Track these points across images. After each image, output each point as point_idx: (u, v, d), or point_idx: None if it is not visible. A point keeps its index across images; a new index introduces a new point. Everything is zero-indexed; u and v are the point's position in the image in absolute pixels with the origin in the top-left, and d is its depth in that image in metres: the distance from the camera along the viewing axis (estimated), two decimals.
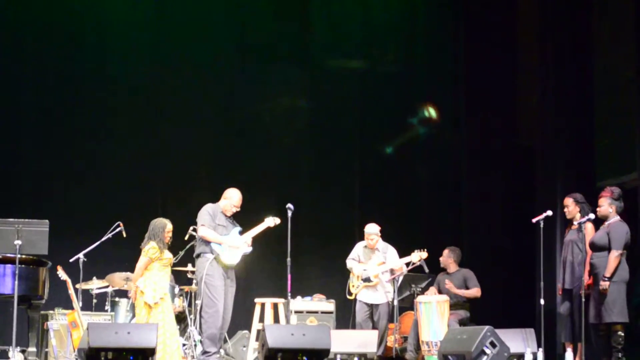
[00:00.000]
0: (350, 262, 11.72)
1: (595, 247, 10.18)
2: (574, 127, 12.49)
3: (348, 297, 11.73)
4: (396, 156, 14.53)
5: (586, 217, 10.35)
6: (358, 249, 11.81)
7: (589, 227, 10.45)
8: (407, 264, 11.45)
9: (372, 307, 11.54)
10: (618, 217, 10.20)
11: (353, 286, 11.64)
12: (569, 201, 10.81)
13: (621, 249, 10.00)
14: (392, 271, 11.53)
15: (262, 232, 10.62)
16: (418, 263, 11.38)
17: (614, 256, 9.97)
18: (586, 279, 10.28)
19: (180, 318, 11.88)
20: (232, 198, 10.51)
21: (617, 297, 9.97)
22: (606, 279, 9.95)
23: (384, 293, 11.51)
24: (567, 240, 10.81)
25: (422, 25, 14.91)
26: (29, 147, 13.46)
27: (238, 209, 10.52)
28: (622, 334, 9.96)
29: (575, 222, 10.56)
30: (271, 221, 10.61)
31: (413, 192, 14.47)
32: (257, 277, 13.15)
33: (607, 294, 9.94)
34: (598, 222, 10.39)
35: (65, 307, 11.31)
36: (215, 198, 10.64)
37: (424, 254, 11.37)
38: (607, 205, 10.23)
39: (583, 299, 10.12)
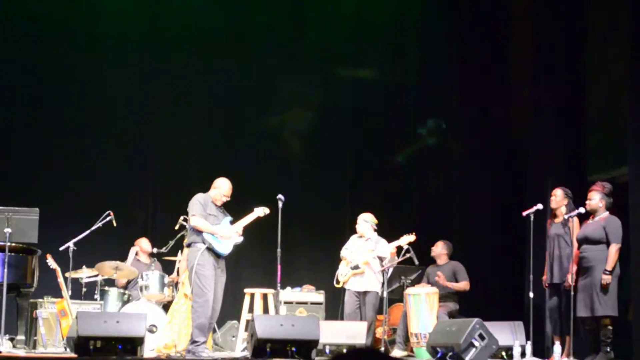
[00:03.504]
0: (343, 251, 11.79)
1: (589, 240, 10.20)
2: (566, 121, 12.49)
3: (335, 285, 11.75)
4: (388, 151, 14.51)
5: (576, 211, 10.37)
6: (352, 240, 11.88)
7: (575, 221, 10.48)
8: (398, 254, 11.46)
9: (360, 297, 11.56)
10: (608, 212, 10.24)
11: (341, 275, 11.66)
12: (558, 192, 10.83)
13: (620, 242, 10.05)
14: (381, 260, 11.53)
15: (252, 222, 10.60)
16: (406, 246, 11.38)
17: (614, 249, 10.03)
18: (571, 272, 10.30)
19: (169, 307, 11.88)
20: (221, 187, 10.49)
21: (611, 290, 10.02)
22: (608, 272, 9.98)
23: (373, 280, 11.51)
24: (552, 234, 10.83)
25: (415, 28, 14.88)
26: (20, 135, 13.42)
27: (228, 199, 10.50)
28: (611, 328, 10.00)
29: (565, 216, 10.58)
30: (261, 211, 10.60)
31: (404, 185, 14.46)
32: (246, 268, 13.17)
33: (608, 287, 9.98)
34: (583, 216, 10.43)
35: (54, 296, 11.30)
36: (206, 188, 10.63)
37: (411, 237, 11.38)
38: (597, 200, 10.26)
39: (572, 293, 10.16)
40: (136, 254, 12.60)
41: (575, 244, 10.38)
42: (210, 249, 10.17)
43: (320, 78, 14.62)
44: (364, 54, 14.83)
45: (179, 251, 11.98)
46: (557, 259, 10.68)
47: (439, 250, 12.14)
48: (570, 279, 10.32)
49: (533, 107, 13.16)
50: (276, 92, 14.49)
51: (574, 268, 10.34)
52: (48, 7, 13.68)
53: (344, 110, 14.63)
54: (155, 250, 12.39)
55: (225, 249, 10.30)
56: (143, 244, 12.59)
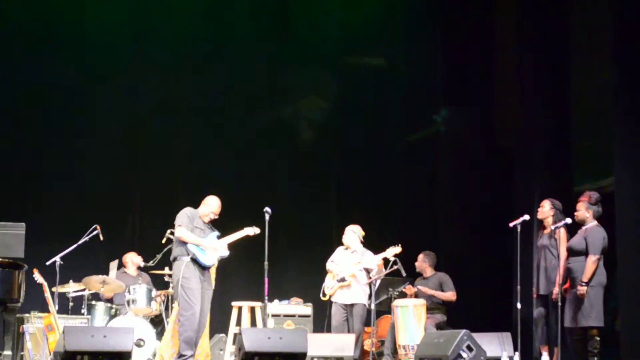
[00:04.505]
0: (329, 264, 11.79)
1: (573, 251, 10.23)
2: (552, 132, 12.52)
3: (322, 297, 11.75)
4: (374, 160, 14.52)
5: (563, 222, 10.39)
6: (337, 252, 11.88)
7: (562, 233, 10.49)
8: (386, 267, 11.46)
9: (347, 309, 11.55)
10: (595, 222, 10.25)
11: (327, 287, 11.66)
12: (546, 203, 10.84)
13: (599, 254, 10.04)
14: (367, 272, 11.54)
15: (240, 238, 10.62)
16: (393, 258, 11.39)
17: (591, 261, 10.02)
18: (558, 283, 10.33)
19: (157, 321, 11.86)
20: (210, 205, 10.50)
21: (595, 301, 10.01)
22: (584, 283, 9.99)
23: (360, 293, 11.52)
24: (539, 245, 10.85)
25: (401, 32, 14.90)
26: (5, 148, 13.35)
27: (216, 217, 10.51)
28: (598, 339, 10.00)
29: (552, 227, 10.59)
30: (251, 230, 10.61)
31: (391, 196, 14.47)
32: (234, 281, 13.13)
33: (585, 298, 9.99)
34: (574, 227, 10.44)
35: (41, 311, 11.24)
36: (193, 201, 10.62)
37: (397, 249, 11.41)
38: (584, 210, 10.28)
39: (559, 304, 10.17)
40: (124, 265, 12.58)
41: (564, 255, 10.39)
42: (194, 260, 10.14)
43: (312, 79, 14.62)
44: (347, 55, 14.84)
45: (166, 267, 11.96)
46: (543, 270, 10.69)
47: (421, 263, 12.14)
48: (556, 290, 10.34)
49: (519, 117, 13.18)
50: (260, 101, 14.49)
51: (561, 279, 10.36)
52: (32, 14, 13.61)
53: (329, 119, 14.65)
54: (142, 263, 12.37)
55: (209, 260, 10.28)
56: (133, 258, 12.55)
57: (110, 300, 12.17)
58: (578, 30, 12.69)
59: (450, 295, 11.87)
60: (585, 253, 10.12)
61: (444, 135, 14.50)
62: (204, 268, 10.23)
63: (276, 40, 14.50)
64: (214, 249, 10.30)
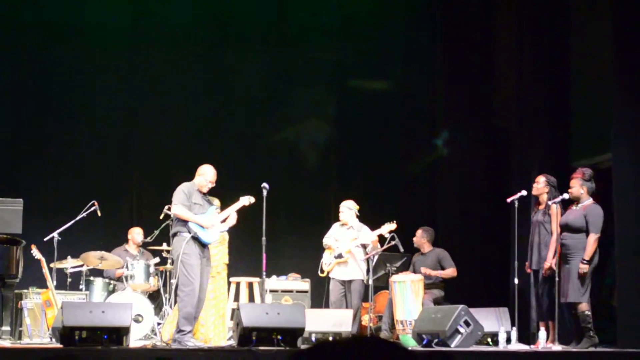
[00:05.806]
0: (325, 239, 11.79)
1: (570, 228, 10.24)
2: (550, 108, 12.52)
3: (320, 274, 11.77)
4: (372, 136, 14.51)
5: (560, 197, 10.41)
6: (334, 228, 11.88)
7: (555, 209, 10.51)
8: (382, 243, 11.47)
9: (345, 285, 11.57)
10: (591, 199, 10.26)
11: (325, 264, 11.67)
12: (541, 179, 10.87)
13: (599, 232, 10.09)
14: (364, 247, 11.56)
15: (238, 210, 10.56)
16: (388, 235, 11.39)
17: (593, 239, 10.06)
18: (550, 259, 10.37)
19: (155, 297, 11.88)
20: (205, 174, 10.37)
21: (586, 278, 10.07)
22: (585, 262, 10.02)
23: (357, 269, 11.54)
24: (534, 221, 10.88)
25: (399, 13, 14.86)
26: (3, 125, 13.35)
27: (213, 185, 10.37)
28: (589, 313, 10.06)
29: (548, 203, 10.61)
30: (246, 200, 10.54)
31: (389, 172, 14.46)
32: (232, 256, 13.11)
33: (585, 276, 10.03)
34: (566, 203, 10.47)
35: (39, 286, 11.27)
36: (191, 176, 10.59)
37: (392, 225, 11.41)
38: (578, 187, 10.29)
39: (557, 279, 10.21)
40: (126, 240, 12.60)
41: (558, 230, 10.42)
42: (195, 238, 10.11)
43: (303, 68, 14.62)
44: (348, 62, 14.82)
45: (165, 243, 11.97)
46: (537, 246, 10.72)
47: (419, 238, 12.11)
48: (546, 265, 10.40)
49: (517, 93, 13.17)
50: (264, 86, 14.46)
51: (555, 254, 10.40)
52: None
53: (329, 101, 14.64)
54: (141, 242, 12.39)
55: (211, 237, 10.23)
56: (135, 236, 12.55)
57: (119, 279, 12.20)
58: (577, 10, 12.66)
59: (451, 271, 11.87)
60: (583, 230, 10.15)
61: (443, 115, 14.47)
62: (204, 245, 10.20)
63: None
64: (211, 225, 10.25)
